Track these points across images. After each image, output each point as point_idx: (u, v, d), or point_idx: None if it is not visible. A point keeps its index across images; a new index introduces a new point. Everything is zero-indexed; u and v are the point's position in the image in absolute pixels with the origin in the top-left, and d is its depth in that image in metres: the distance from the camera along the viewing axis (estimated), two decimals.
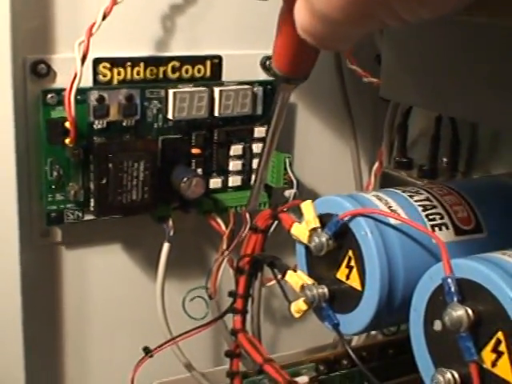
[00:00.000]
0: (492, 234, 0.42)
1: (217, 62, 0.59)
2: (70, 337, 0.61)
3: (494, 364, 0.32)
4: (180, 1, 0.57)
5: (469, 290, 0.33)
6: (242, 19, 0.60)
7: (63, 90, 0.51)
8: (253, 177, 0.60)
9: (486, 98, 0.44)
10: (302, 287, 0.42)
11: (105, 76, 0.55)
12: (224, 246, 0.58)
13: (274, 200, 0.60)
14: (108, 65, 0.55)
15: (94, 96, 0.53)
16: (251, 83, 0.59)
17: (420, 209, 0.41)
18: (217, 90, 0.57)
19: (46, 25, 0.53)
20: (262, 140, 0.59)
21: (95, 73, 0.54)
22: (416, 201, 0.42)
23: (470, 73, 0.45)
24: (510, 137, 0.57)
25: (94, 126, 0.54)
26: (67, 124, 0.51)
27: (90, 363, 0.63)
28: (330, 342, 0.66)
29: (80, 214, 0.55)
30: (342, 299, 0.41)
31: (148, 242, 0.60)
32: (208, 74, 0.59)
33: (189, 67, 0.58)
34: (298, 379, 0.49)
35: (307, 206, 0.42)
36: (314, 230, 0.42)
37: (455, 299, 0.33)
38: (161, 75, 0.57)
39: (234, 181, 0.60)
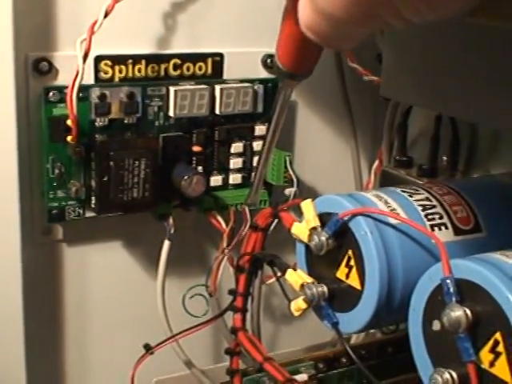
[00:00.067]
0: (491, 234, 0.42)
1: (218, 60, 0.59)
2: (71, 334, 0.61)
3: (491, 364, 0.33)
4: None
5: (467, 291, 0.34)
6: (243, 17, 0.60)
7: (65, 87, 0.51)
8: (253, 174, 0.60)
9: (485, 98, 0.44)
10: (302, 286, 0.43)
11: (106, 73, 0.55)
12: (224, 244, 0.58)
13: (274, 198, 0.61)
14: (109, 62, 0.55)
15: (95, 93, 0.53)
16: (252, 81, 0.59)
17: (419, 208, 0.42)
18: (218, 87, 0.57)
19: (48, 22, 0.53)
20: (263, 138, 0.59)
21: (97, 70, 0.54)
22: (416, 200, 0.42)
23: (470, 73, 0.45)
24: (509, 136, 0.57)
25: (96, 124, 0.54)
26: (69, 121, 0.51)
27: (90, 360, 0.63)
28: (329, 340, 0.67)
29: (81, 212, 0.55)
30: (342, 298, 0.42)
31: (149, 239, 0.61)
32: (209, 71, 0.59)
33: (190, 65, 0.58)
34: (297, 377, 0.49)
35: (307, 206, 0.43)
36: (313, 229, 0.42)
37: (454, 300, 0.34)
38: (162, 73, 0.57)
39: (235, 179, 0.60)
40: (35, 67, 0.52)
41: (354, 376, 0.53)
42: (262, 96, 0.59)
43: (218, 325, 0.58)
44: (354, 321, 0.41)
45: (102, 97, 0.53)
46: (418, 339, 0.37)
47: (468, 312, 0.33)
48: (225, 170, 0.60)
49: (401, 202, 0.42)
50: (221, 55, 0.59)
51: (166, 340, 0.53)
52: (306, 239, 0.42)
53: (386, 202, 0.41)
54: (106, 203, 0.54)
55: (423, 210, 0.41)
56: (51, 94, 0.52)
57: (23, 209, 0.53)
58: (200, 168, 0.59)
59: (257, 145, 0.60)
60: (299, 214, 0.44)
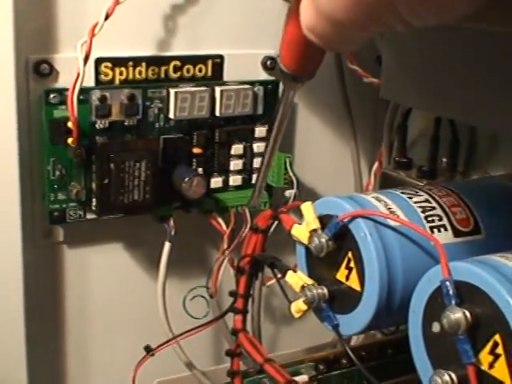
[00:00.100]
0: (490, 236, 0.42)
1: (218, 62, 0.59)
2: (72, 335, 0.61)
3: (491, 366, 0.33)
4: (181, 1, 0.57)
5: (467, 293, 0.34)
6: (244, 19, 0.60)
7: (66, 89, 0.52)
8: (253, 176, 0.61)
9: (485, 101, 0.44)
10: (302, 287, 0.43)
11: (107, 76, 0.55)
12: (225, 246, 0.58)
13: (274, 200, 0.61)
14: (110, 64, 0.55)
15: (96, 96, 0.53)
16: (252, 83, 0.59)
17: (419, 210, 0.42)
18: (218, 89, 0.57)
19: (49, 25, 0.53)
20: (263, 140, 0.59)
21: (97, 72, 0.54)
22: (415, 202, 0.42)
23: (469, 75, 0.45)
24: (508, 138, 0.57)
25: (96, 126, 0.54)
26: (69, 124, 0.51)
27: (91, 362, 0.63)
28: (330, 341, 0.67)
29: (82, 214, 0.56)
30: (342, 300, 0.42)
31: (149, 241, 0.61)
32: (209, 73, 0.59)
33: (190, 67, 0.58)
34: (297, 378, 0.49)
35: (307, 208, 0.43)
36: (314, 231, 0.42)
37: (453, 302, 0.34)
38: (162, 75, 0.57)
39: (235, 180, 0.61)
40: (36, 69, 0.53)
41: (354, 377, 0.53)
42: (262, 98, 0.59)
43: (219, 326, 0.58)
44: (354, 322, 0.41)
45: (103, 99, 0.53)
46: (417, 341, 0.37)
47: (467, 314, 0.33)
48: (225, 172, 0.60)
49: (400, 203, 0.42)
50: (221, 57, 0.59)
51: (166, 341, 0.53)
52: (306, 241, 0.42)
53: (386, 204, 0.41)
54: (106, 205, 0.54)
55: (423, 212, 0.41)
56: (52, 96, 0.52)
57: (24, 211, 0.53)
58: (200, 170, 0.59)
59: (257, 146, 0.60)
60: (299, 215, 0.44)
